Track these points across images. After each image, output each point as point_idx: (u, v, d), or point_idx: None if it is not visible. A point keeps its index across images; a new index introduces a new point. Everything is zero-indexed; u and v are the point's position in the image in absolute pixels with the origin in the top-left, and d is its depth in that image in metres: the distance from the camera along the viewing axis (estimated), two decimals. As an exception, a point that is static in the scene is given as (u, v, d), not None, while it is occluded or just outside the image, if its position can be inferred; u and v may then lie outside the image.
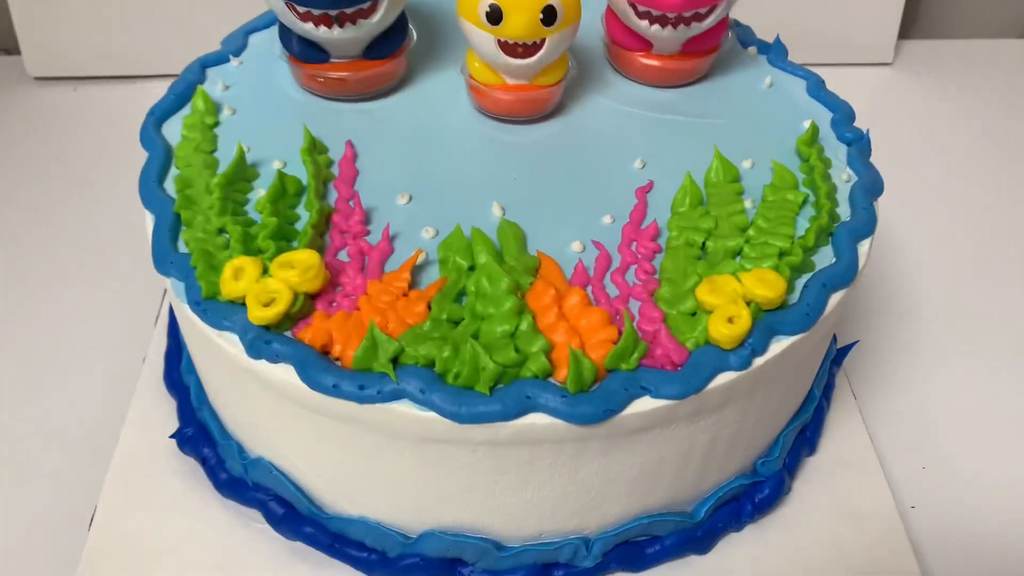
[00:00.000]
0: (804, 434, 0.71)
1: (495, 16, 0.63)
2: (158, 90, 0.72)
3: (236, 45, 0.76)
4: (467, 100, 0.72)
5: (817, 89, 0.74)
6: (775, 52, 0.77)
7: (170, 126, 0.69)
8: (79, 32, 1.12)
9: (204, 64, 0.74)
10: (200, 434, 0.68)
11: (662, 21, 0.68)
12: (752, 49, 0.78)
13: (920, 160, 1.10)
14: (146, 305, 0.83)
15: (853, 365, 0.82)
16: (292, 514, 0.63)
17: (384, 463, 0.56)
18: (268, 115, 0.70)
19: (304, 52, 0.69)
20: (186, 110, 0.70)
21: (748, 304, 0.54)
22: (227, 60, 0.75)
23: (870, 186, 0.65)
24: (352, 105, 0.71)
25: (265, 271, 0.56)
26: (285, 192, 0.62)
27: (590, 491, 0.58)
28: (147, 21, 1.09)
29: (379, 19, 0.66)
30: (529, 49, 0.64)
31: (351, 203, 0.63)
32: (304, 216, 0.62)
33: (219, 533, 0.65)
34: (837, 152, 0.69)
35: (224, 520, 0.66)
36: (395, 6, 0.67)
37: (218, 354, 0.57)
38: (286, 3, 0.65)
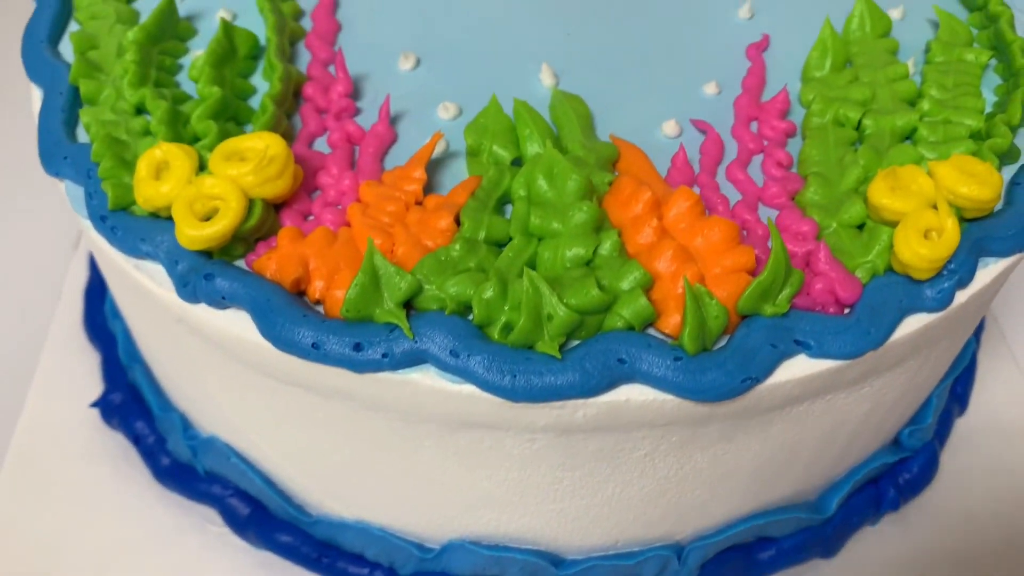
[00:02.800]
0: (954, 389, 0.52)
1: None
2: None
3: None
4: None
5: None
6: None
7: (70, -33, 0.48)
8: None
9: None
10: (131, 402, 0.49)
11: None
12: None
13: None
14: (63, 222, 0.62)
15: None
16: (261, 515, 0.45)
17: (393, 454, 0.38)
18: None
19: None
20: (92, -57, 0.49)
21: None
22: None
23: (1076, 41, 0.45)
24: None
25: (203, 167, 0.36)
26: (234, 52, 0.42)
27: (695, 488, 0.39)
28: None
29: None
30: None
31: (331, 68, 0.43)
32: (262, 88, 0.42)
33: (159, 539, 0.47)
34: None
35: (166, 521, 0.48)
36: None
37: (139, 294, 0.38)
38: None
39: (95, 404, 0.50)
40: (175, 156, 0.35)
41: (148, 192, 0.35)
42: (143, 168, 0.35)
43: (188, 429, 0.46)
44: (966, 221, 0.36)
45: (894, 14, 0.47)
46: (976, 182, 0.35)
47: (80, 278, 0.57)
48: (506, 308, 0.33)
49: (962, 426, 0.53)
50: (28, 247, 0.61)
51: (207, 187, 0.34)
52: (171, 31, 0.43)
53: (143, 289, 0.37)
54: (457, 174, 0.39)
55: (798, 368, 0.34)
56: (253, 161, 0.35)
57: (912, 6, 0.47)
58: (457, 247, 0.34)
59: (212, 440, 0.45)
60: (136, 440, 0.49)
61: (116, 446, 0.50)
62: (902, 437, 0.48)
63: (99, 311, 0.54)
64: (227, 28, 0.42)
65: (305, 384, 0.35)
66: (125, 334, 0.50)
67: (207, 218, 0.34)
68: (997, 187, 0.35)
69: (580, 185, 0.35)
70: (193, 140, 0.38)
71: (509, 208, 0.37)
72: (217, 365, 0.38)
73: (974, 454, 0.52)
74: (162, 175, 0.35)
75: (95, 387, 0.52)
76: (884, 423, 0.44)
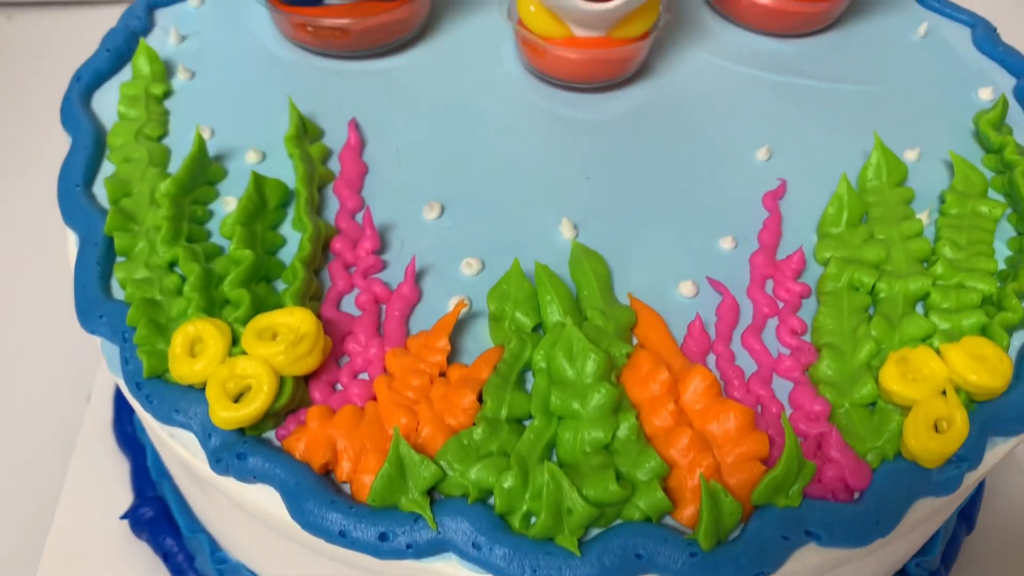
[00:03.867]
0: (961, 512, 0.53)
1: (565, -58, 0.43)
2: (108, 20, 0.52)
3: (196, -24, 0.56)
4: (515, 57, 0.52)
5: (988, 40, 0.54)
6: (926, -15, 0.57)
7: (104, 97, 0.49)
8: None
9: (151, 4, 0.54)
10: (161, 518, 0.51)
11: (793, -53, 0.48)
12: (897, -19, 0.58)
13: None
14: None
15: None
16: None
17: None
18: (239, 80, 0.50)
19: (289, -8, 0.49)
20: (125, 73, 0.50)
21: (958, 393, 0.36)
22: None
23: (1088, 189, 0.46)
24: (357, 64, 0.51)
25: (235, 341, 0.37)
26: (264, 205, 0.43)
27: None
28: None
29: (394, -56, 0.46)
30: (611, -10, 0.45)
31: (358, 218, 0.44)
32: (292, 238, 0.43)
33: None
34: (1028, 133, 0.49)
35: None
36: (417, -75, 0.47)
37: (171, 452, 0.39)
38: (260, -78, 0.44)
39: (125, 516, 0.52)
40: (209, 334, 0.37)
41: (183, 370, 0.36)
42: (178, 345, 0.37)
43: (216, 552, 0.48)
44: (975, 403, 0.37)
45: (910, 156, 0.48)
46: (986, 369, 0.36)
47: (109, 378, 0.59)
48: (527, 497, 0.34)
49: (970, 545, 0.54)
50: (57, 347, 0.63)
51: (240, 368, 0.36)
52: (202, 177, 0.44)
53: (177, 453, 0.38)
54: (480, 336, 0.40)
55: (807, 557, 0.35)
56: (285, 340, 0.36)
57: (928, 147, 0.48)
58: (479, 430, 0.35)
59: (239, 567, 0.46)
60: (165, 556, 0.50)
61: (146, 556, 0.51)
62: (908, 568, 0.49)
63: (128, 418, 0.55)
64: (258, 181, 0.43)
65: (331, 555, 0.36)
66: (155, 451, 0.52)
67: (239, 398, 0.36)
68: (1007, 375, 0.36)
69: (599, 365, 0.36)
70: (224, 305, 0.39)
71: (530, 377, 0.38)
72: (246, 522, 0.39)
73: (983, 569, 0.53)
74: (196, 349, 0.37)
75: (125, 493, 0.53)
76: (890, 567, 0.45)
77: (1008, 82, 0.52)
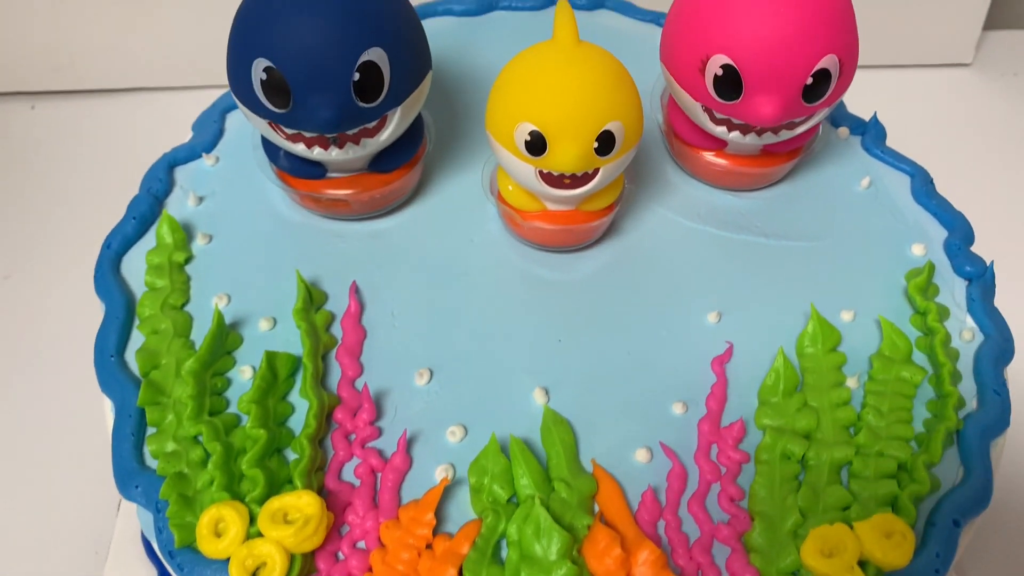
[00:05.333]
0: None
1: (537, 146, 0.49)
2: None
3: (210, 133, 0.62)
4: (497, 217, 0.58)
5: (925, 192, 0.60)
6: (872, 135, 0.63)
7: (133, 261, 0.55)
8: (35, 41, 0.96)
9: (171, 162, 0.60)
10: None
11: (744, 129, 0.54)
12: (844, 131, 0.63)
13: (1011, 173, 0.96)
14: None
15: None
16: None
17: None
18: (252, 243, 0.56)
19: (294, 168, 0.55)
20: (150, 238, 0.56)
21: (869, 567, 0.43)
22: (199, 156, 0.60)
23: (1000, 352, 0.52)
24: (357, 225, 0.58)
25: (252, 520, 0.44)
26: (275, 379, 0.49)
27: None
28: (110, 28, 0.93)
29: (388, 135, 0.52)
30: (578, 180, 0.51)
31: (358, 384, 0.50)
32: (300, 406, 0.49)
33: None
34: (953, 289, 0.56)
35: None
36: (408, 116, 0.53)
37: (198, 604, 0.46)
38: (269, 123, 0.51)
39: (154, 624, 0.58)
40: (230, 518, 0.43)
41: (209, 548, 0.43)
42: (204, 527, 0.43)
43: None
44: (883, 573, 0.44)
45: (845, 317, 0.54)
46: (892, 546, 0.43)
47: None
48: (499, 666, 0.41)
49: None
50: (87, 458, 0.70)
51: (256, 549, 0.42)
52: (221, 350, 0.51)
53: (204, 610, 0.45)
54: (462, 504, 0.46)
55: None
56: (294, 525, 0.43)
57: (862, 307, 0.54)
58: (460, 602, 0.42)
59: None
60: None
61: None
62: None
63: (155, 531, 0.62)
64: (269, 359, 0.49)
65: None
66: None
67: (257, 568, 0.42)
68: (909, 552, 0.43)
69: (562, 544, 0.43)
70: (241, 479, 0.46)
71: (504, 548, 0.45)
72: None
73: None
74: (219, 527, 0.43)
75: (157, 611, 0.60)
76: None
77: (940, 235, 0.58)
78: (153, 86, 0.88)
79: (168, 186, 0.59)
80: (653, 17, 0.71)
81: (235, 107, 0.63)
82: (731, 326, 0.53)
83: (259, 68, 0.48)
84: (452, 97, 0.65)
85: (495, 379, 0.51)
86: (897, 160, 0.62)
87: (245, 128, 0.61)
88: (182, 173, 0.60)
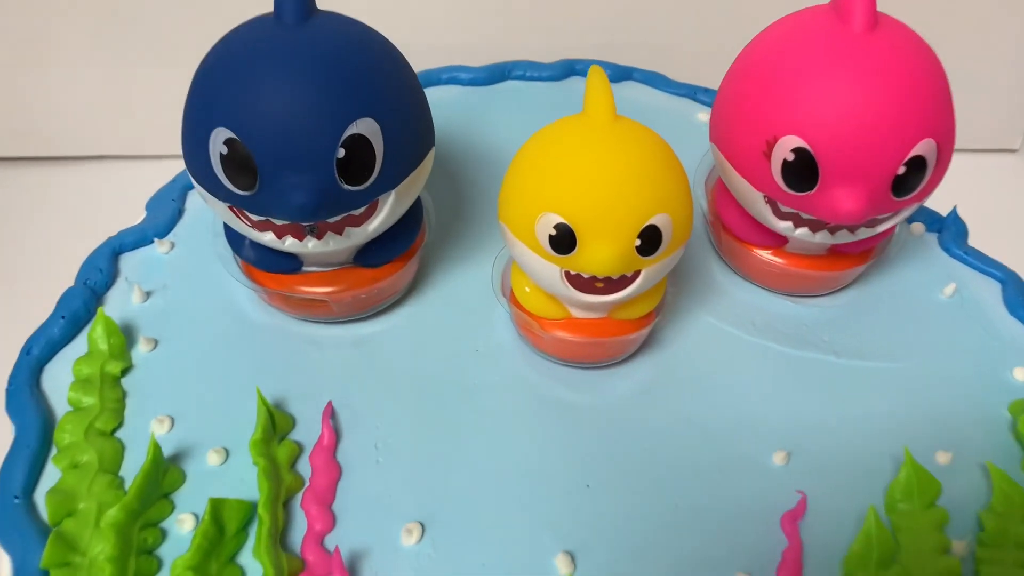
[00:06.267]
0: None
1: (564, 242, 0.39)
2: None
3: (167, 213, 0.52)
4: (508, 322, 0.48)
5: (1020, 301, 0.50)
6: (952, 232, 0.53)
7: (57, 371, 0.45)
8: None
9: (116, 249, 0.50)
10: None
11: (815, 224, 0.44)
12: (918, 227, 0.54)
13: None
14: None
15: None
16: None
17: None
18: (206, 351, 0.46)
19: (262, 261, 0.45)
20: (81, 342, 0.46)
21: None
22: (150, 241, 0.50)
23: None
24: (336, 329, 0.47)
25: None
26: (221, 534, 0.38)
27: None
28: (67, 93, 0.83)
29: (378, 225, 0.42)
30: (614, 284, 0.41)
31: (328, 543, 0.39)
32: (252, 570, 0.38)
33: None
34: (1067, 423, 0.45)
35: None
36: (404, 201, 0.43)
37: None
38: (230, 207, 0.40)
39: None
40: None
41: None
42: None
43: None
44: None
45: (942, 460, 0.43)
46: None
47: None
48: None
49: None
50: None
51: None
52: (155, 493, 0.40)
53: None
54: None
55: None
56: None
57: (960, 446, 0.44)
58: None
59: None
60: None
61: None
62: None
63: None
64: (215, 509, 0.38)
65: None
66: None
67: None
68: None
69: None
70: (170, 677, 0.35)
71: None
72: None
73: None
74: None
75: None
76: None
77: (1043, 351, 0.48)
78: (119, 154, 0.78)
79: (110, 277, 0.48)
80: (688, 91, 0.62)
81: (199, 183, 0.53)
82: (802, 470, 0.43)
83: (218, 139, 0.38)
84: (456, 177, 0.55)
85: (506, 537, 0.40)
86: (984, 263, 0.52)
87: (208, 212, 0.51)
88: (128, 261, 0.50)
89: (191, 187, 0.53)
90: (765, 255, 0.48)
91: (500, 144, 0.56)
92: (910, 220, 0.54)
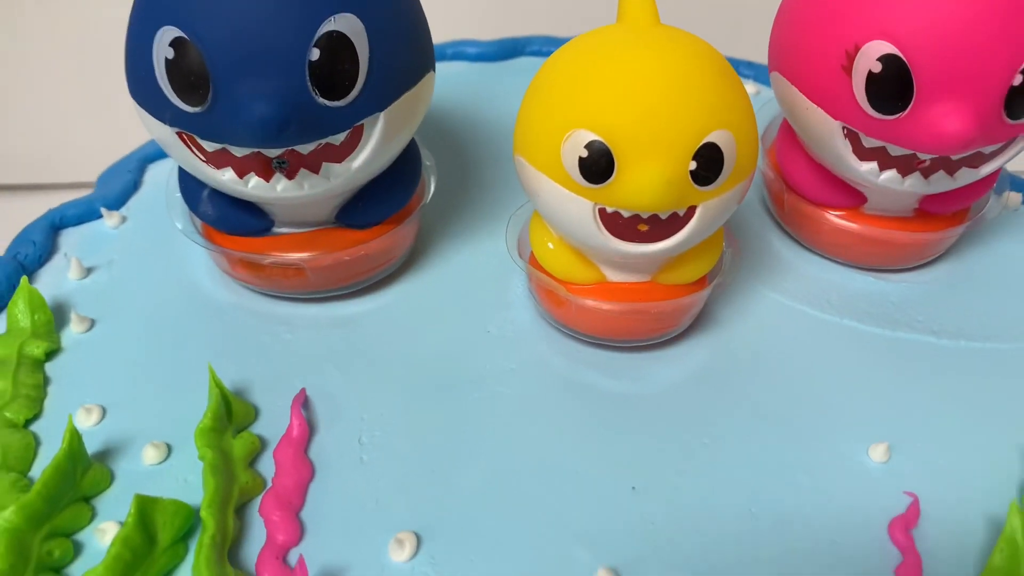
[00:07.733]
0: None
1: (598, 167, 0.30)
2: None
3: (119, 185, 0.44)
4: (526, 298, 0.39)
5: None
6: (1055, 202, 0.45)
7: (-35, 355, 0.36)
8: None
9: (54, 223, 0.41)
10: None
11: (905, 165, 0.36)
12: (1015, 196, 0.45)
13: None
14: None
15: None
16: None
17: None
18: (153, 332, 0.37)
19: (224, 218, 0.36)
20: (2, 322, 0.37)
21: None
22: (98, 215, 0.42)
23: None
24: (316, 308, 0.38)
25: None
26: (151, 544, 0.29)
27: None
28: (26, 122, 0.76)
29: (364, 161, 0.34)
30: (662, 227, 0.32)
31: (290, 559, 0.30)
32: (192, 593, 0.28)
33: None
34: None
35: None
36: (395, 134, 0.34)
37: None
38: (178, 133, 0.32)
39: None
40: None
41: None
42: None
43: None
44: None
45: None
46: None
47: None
48: None
49: None
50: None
51: None
52: (70, 493, 0.30)
53: None
54: None
55: None
56: None
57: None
58: None
59: None
60: None
61: None
62: None
63: None
64: (143, 510, 0.29)
65: None
66: None
67: None
68: None
69: None
70: None
71: None
72: None
73: None
74: None
75: None
76: None
77: None
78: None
79: (45, 251, 0.40)
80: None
81: (160, 156, 0.46)
82: (907, 467, 0.33)
83: (164, 41, 0.30)
84: (463, 150, 0.47)
85: (525, 555, 0.30)
86: (1095, 235, 0.43)
87: (167, 184, 0.42)
88: (68, 238, 0.41)
89: (152, 159, 0.45)
90: (837, 218, 0.40)
91: (510, 117, 0.48)
92: (999, 190, 0.45)
